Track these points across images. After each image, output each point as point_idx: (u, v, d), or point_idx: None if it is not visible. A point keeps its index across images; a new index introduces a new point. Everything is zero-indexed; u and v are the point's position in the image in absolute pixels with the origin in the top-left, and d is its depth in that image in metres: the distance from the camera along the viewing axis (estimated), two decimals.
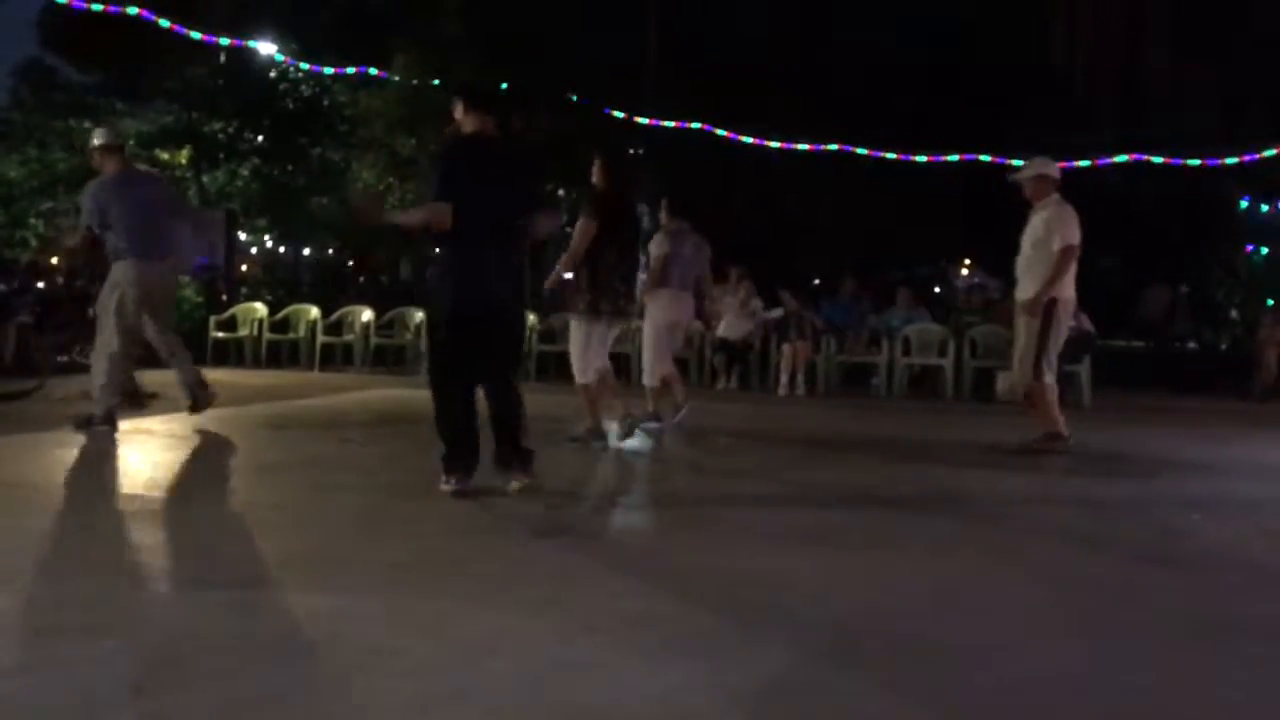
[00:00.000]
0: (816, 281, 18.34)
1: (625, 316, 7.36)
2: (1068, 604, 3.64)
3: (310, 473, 6.00)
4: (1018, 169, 7.73)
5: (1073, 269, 7.28)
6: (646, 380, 8.35)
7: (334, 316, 14.81)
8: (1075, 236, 7.21)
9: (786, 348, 12.93)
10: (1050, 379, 7.36)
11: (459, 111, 5.35)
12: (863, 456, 7.52)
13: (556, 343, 12.07)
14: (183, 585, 3.48)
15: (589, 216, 6.96)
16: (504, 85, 12.50)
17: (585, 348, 7.11)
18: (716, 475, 6.66)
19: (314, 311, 14.80)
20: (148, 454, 6.44)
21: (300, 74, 20.02)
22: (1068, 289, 7.32)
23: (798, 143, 16.70)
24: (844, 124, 16.40)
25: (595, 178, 7.19)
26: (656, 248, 8.29)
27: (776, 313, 13.35)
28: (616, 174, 7.29)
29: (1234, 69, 16.19)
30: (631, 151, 16.20)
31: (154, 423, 7.68)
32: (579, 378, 7.17)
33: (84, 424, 6.95)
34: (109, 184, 7.31)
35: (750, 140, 16.72)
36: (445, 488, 5.07)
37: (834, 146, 16.60)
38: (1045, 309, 7.23)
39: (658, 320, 8.27)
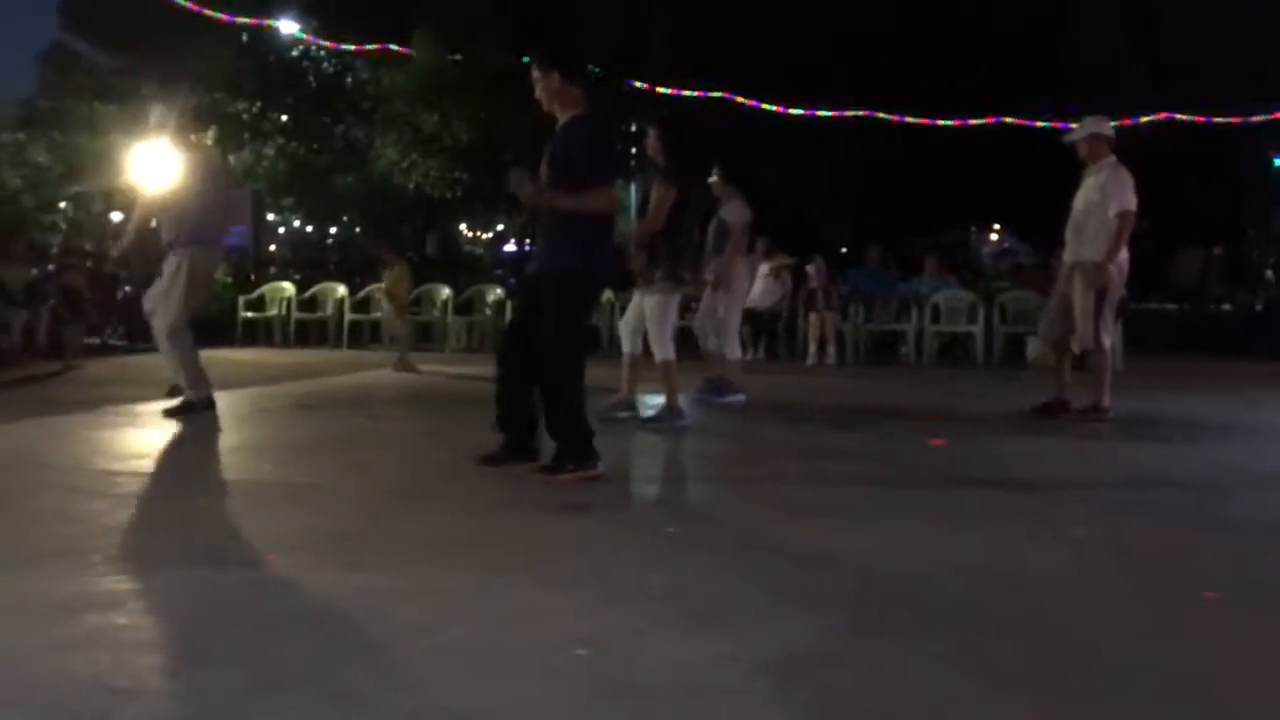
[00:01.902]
0: (843, 250, 18.24)
1: (696, 286, 7.30)
2: (1105, 571, 3.60)
3: (340, 450, 6.03)
4: (1070, 130, 7.61)
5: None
6: (730, 353, 8.26)
7: (360, 294, 14.87)
8: (1133, 201, 7.09)
9: (814, 317, 12.88)
10: (1108, 344, 7.29)
11: (555, 83, 5.06)
12: (893, 425, 7.47)
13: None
14: (211, 562, 3.50)
15: (668, 183, 6.80)
16: (525, 59, 12.45)
17: (665, 321, 6.97)
18: (747, 447, 6.64)
19: (341, 290, 14.87)
20: (176, 433, 6.48)
21: (322, 52, 20.04)
22: (1122, 253, 7.22)
23: (820, 109, 16.55)
24: (867, 90, 16.24)
25: (651, 148, 7.04)
26: (739, 214, 8.10)
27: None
28: (673, 142, 7.10)
29: (1262, 26, 15.86)
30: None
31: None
32: (661, 354, 6.97)
33: (183, 410, 6.89)
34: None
35: (773, 108, 16.58)
36: (587, 473, 4.85)
37: (857, 113, 16.45)
38: (1098, 273, 7.13)
39: (740, 290, 8.22)
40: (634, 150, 19.26)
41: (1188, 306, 16.92)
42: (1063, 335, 7.40)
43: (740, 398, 8.11)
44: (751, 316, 13.16)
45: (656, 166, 7.05)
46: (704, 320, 8.28)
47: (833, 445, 6.57)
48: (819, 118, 16.60)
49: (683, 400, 7.19)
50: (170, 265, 6.97)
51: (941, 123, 16.45)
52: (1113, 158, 7.29)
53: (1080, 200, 7.34)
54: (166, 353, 7.05)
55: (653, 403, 7.26)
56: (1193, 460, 6.00)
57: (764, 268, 12.95)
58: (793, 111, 16.64)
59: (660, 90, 16.73)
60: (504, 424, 5.08)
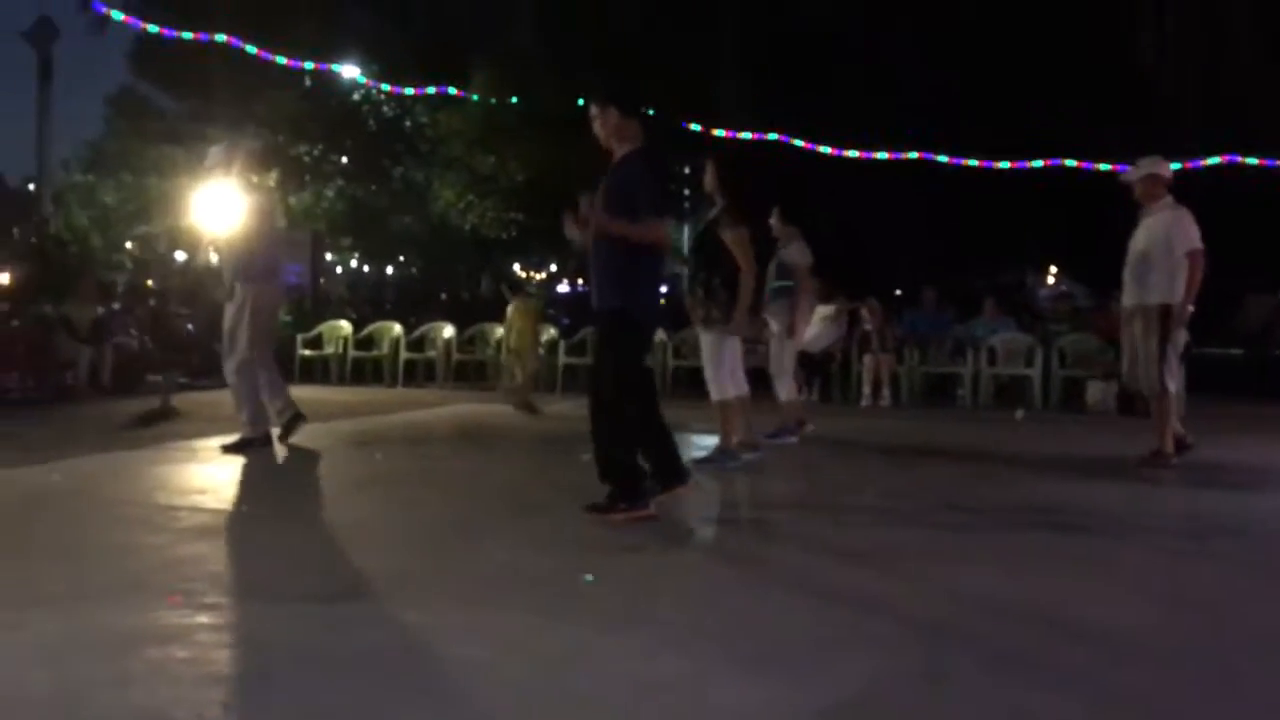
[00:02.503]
0: (898, 292, 18.11)
1: (754, 327, 7.27)
2: (1169, 620, 3.52)
3: (395, 488, 6.07)
4: (1127, 170, 7.48)
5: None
6: (784, 394, 8.24)
7: (416, 333, 15.01)
8: (1199, 240, 6.94)
9: (869, 359, 12.78)
10: (1173, 388, 7.13)
11: (613, 118, 5.11)
12: (950, 468, 7.38)
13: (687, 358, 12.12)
14: (268, 599, 3.53)
15: (740, 224, 6.74)
16: (580, 101, 12.60)
17: (720, 360, 6.89)
18: (801, 489, 6.59)
19: (397, 329, 15.02)
20: (235, 470, 6.56)
21: (382, 95, 20.40)
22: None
23: (876, 151, 16.52)
24: (924, 130, 16.19)
25: (708, 182, 6.98)
26: (800, 256, 8.08)
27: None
28: (730, 177, 7.00)
29: None
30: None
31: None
32: (717, 394, 6.90)
33: (241, 446, 7.05)
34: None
35: (828, 150, 16.59)
36: (639, 514, 4.83)
37: (914, 155, 16.40)
38: (1164, 316, 6.97)
39: (802, 331, 8.22)
40: (686, 191, 19.38)
41: (1253, 352, 16.54)
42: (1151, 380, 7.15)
43: (793, 439, 8.05)
44: (805, 358, 13.10)
45: (713, 202, 7.02)
46: (775, 362, 8.28)
47: (889, 487, 6.49)
48: (875, 160, 16.57)
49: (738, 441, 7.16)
50: (235, 302, 7.14)
51: (999, 164, 16.34)
52: (1170, 198, 7.14)
53: (1140, 242, 7.15)
54: (233, 387, 7.22)
55: (704, 444, 7.23)
56: (1258, 508, 5.85)
57: (823, 310, 12.85)
58: (848, 153, 16.63)
59: (715, 131, 16.82)
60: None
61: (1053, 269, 26.42)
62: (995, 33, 16.44)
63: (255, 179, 7.65)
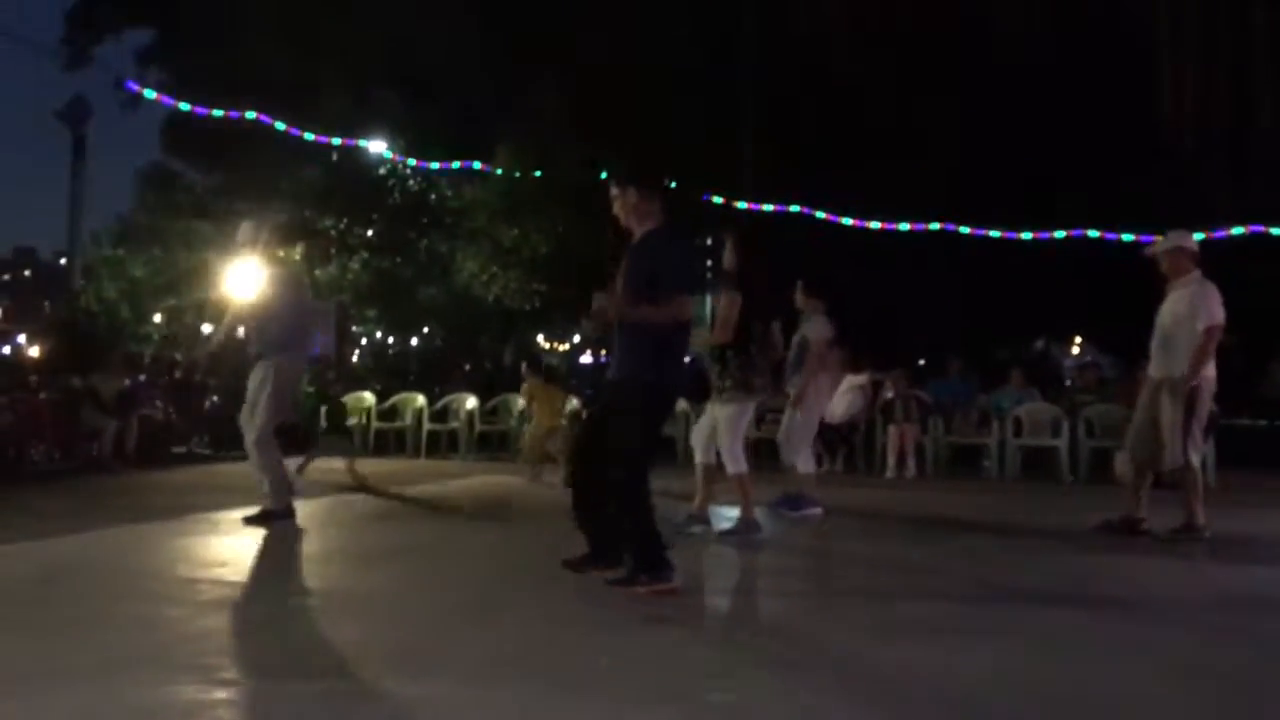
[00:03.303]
0: (922, 362, 18.05)
1: (764, 395, 7.31)
2: (1201, 700, 3.43)
3: (415, 560, 6.04)
4: (1152, 243, 7.51)
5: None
6: (803, 466, 8.20)
7: (439, 404, 15.05)
8: (1221, 315, 6.96)
9: (893, 429, 12.71)
10: (1196, 461, 7.08)
11: (632, 198, 5.14)
12: (977, 541, 7.27)
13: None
14: (288, 674, 3.49)
15: (734, 289, 6.86)
16: (604, 174, 12.75)
17: (736, 432, 6.94)
18: (827, 561, 6.51)
19: (420, 399, 15.06)
20: (257, 542, 6.54)
21: (407, 170, 20.69)
22: (1209, 368, 7.06)
23: (899, 222, 16.58)
24: (950, 200, 16.24)
25: (728, 259, 7.08)
26: (820, 330, 8.13)
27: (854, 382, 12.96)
28: (747, 252, 7.14)
29: None
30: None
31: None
32: (733, 466, 6.95)
33: (263, 519, 7.04)
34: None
35: (850, 222, 16.66)
36: (661, 587, 4.77)
37: (935, 226, 16.44)
38: (1188, 389, 6.96)
39: (820, 405, 8.22)
40: (709, 263, 19.46)
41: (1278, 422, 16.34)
42: (1153, 454, 7.15)
43: (817, 511, 7.99)
44: (828, 428, 13.03)
45: (731, 278, 7.09)
46: (785, 433, 8.24)
47: (913, 560, 6.40)
48: (898, 231, 16.62)
49: (759, 513, 7.13)
50: (257, 374, 7.19)
51: (1022, 235, 16.35)
52: (1198, 272, 7.15)
53: (1166, 315, 7.19)
54: (253, 460, 7.22)
55: (728, 515, 7.19)
56: None
57: (852, 380, 12.78)
58: (871, 225, 16.69)
59: (739, 204, 16.94)
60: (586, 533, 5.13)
61: (1077, 339, 26.32)
62: (1020, 102, 16.50)
63: (281, 253, 7.72)
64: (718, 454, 7.11)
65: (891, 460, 12.61)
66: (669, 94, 17.60)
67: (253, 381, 7.25)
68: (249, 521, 6.99)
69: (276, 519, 7.03)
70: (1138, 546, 6.84)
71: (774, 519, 7.71)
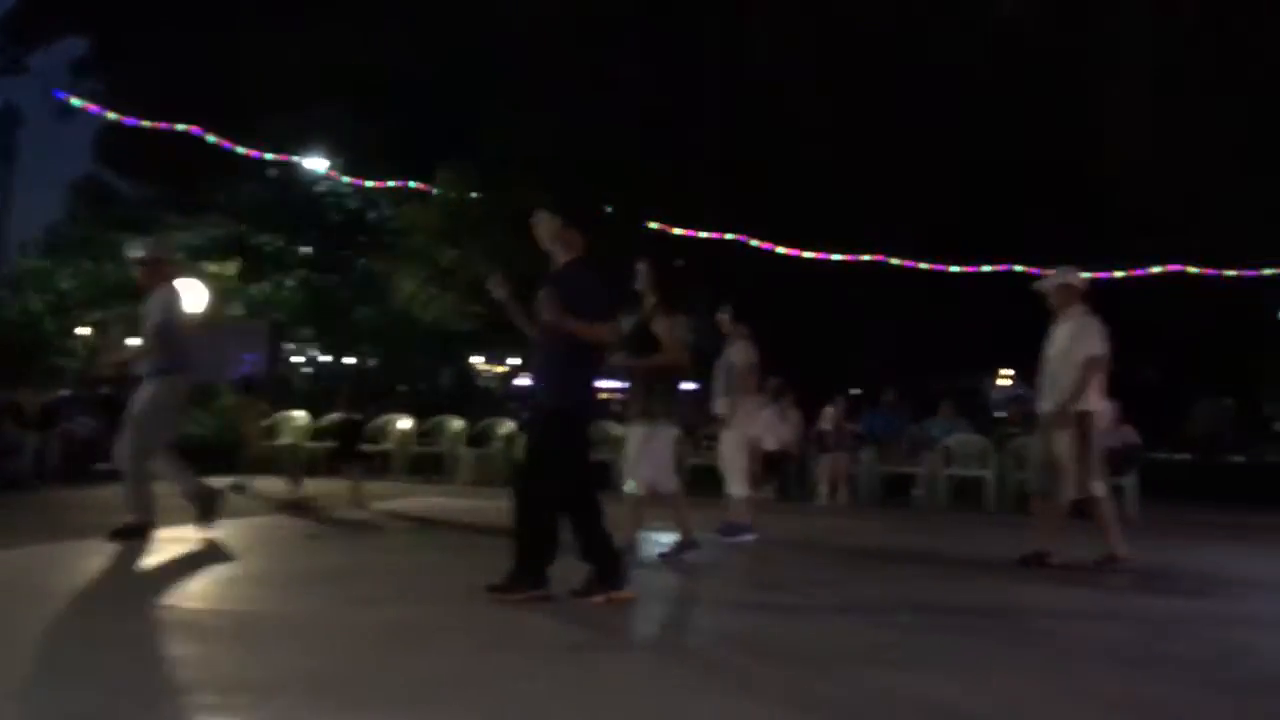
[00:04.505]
0: (855, 391, 18.25)
1: (679, 422, 7.38)
2: None
3: (342, 584, 5.94)
4: (1041, 279, 7.65)
5: (1098, 381, 7.12)
6: (738, 491, 8.23)
7: (373, 425, 14.87)
8: (1098, 348, 7.06)
9: (826, 458, 12.82)
10: (1101, 491, 7.16)
11: (556, 226, 5.37)
12: (907, 570, 7.36)
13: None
14: (196, 704, 3.41)
15: (669, 313, 6.95)
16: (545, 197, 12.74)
17: (648, 452, 6.96)
18: (758, 589, 6.53)
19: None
20: (176, 564, 6.40)
21: (347, 188, 20.54)
22: (1097, 401, 7.16)
23: (833, 253, 16.79)
24: (882, 233, 16.48)
25: (642, 285, 7.12)
26: (744, 355, 8.18)
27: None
28: (662, 277, 7.23)
29: (1273, 179, 16.06)
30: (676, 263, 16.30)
31: (185, 531, 7.56)
32: (642, 489, 6.98)
33: (127, 534, 6.96)
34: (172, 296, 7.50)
35: (784, 251, 16.84)
36: (618, 595, 5.18)
37: (868, 257, 16.68)
38: (1078, 421, 7.07)
39: (746, 430, 8.28)
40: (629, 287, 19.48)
41: (1200, 457, 16.78)
42: (1054, 488, 7.19)
43: (750, 537, 8.04)
44: (762, 456, 13.09)
45: (648, 302, 7.11)
46: (722, 459, 8.32)
47: (849, 590, 6.44)
48: (831, 261, 16.83)
49: (697, 537, 7.19)
50: (140, 394, 7.26)
51: (952, 268, 16.63)
52: (1083, 307, 7.27)
53: (1052, 349, 7.28)
54: (125, 472, 7.21)
55: (664, 540, 7.23)
56: (1210, 615, 5.86)
57: (774, 408, 12.89)
58: (805, 254, 16.88)
59: (675, 231, 17.03)
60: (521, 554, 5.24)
61: (1008, 372, 26.76)
62: (953, 140, 16.81)
63: (164, 271, 7.63)
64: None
65: (824, 489, 12.72)
66: (611, 119, 17.68)
67: (136, 399, 7.28)
68: (114, 536, 6.92)
69: (138, 534, 6.97)
70: (1061, 578, 6.94)
71: (711, 546, 7.74)
